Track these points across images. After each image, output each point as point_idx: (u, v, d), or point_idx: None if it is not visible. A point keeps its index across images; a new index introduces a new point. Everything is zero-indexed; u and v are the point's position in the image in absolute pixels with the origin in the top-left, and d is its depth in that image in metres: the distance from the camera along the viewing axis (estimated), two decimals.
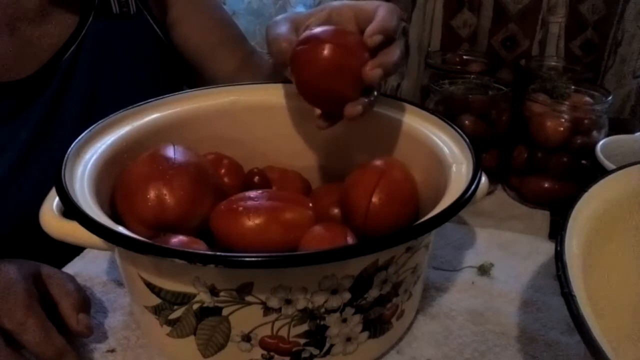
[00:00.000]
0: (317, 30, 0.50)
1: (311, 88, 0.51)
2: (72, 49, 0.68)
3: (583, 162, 0.70)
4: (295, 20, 0.53)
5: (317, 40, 0.49)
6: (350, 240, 0.46)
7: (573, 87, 0.73)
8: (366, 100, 0.49)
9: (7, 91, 0.64)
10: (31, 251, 0.53)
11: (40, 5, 0.66)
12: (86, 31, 0.69)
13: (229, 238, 0.47)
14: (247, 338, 0.42)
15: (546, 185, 0.72)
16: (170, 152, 0.51)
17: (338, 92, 0.49)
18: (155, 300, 0.43)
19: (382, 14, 0.49)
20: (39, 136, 0.66)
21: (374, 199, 0.49)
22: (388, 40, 0.49)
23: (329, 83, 0.49)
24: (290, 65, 0.51)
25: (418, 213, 0.52)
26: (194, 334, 0.43)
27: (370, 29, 0.48)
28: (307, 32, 0.50)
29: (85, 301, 0.49)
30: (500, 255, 0.62)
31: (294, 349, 0.43)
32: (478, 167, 0.46)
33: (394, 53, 0.49)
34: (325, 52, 0.48)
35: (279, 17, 0.54)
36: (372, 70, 0.48)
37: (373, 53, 0.49)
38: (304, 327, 0.42)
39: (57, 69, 0.67)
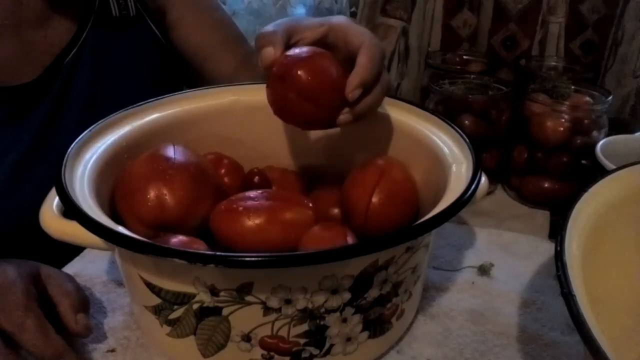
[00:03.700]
0: (294, 56, 0.49)
1: (283, 116, 0.51)
2: (73, 51, 0.68)
3: (583, 162, 0.70)
4: (292, 28, 0.52)
5: (290, 74, 0.48)
6: (350, 240, 0.46)
7: (573, 87, 0.73)
8: (352, 109, 0.49)
9: (10, 95, 0.64)
10: (31, 251, 0.53)
11: (41, 9, 0.66)
12: (87, 34, 0.69)
13: (229, 238, 0.47)
14: (247, 338, 0.42)
15: (546, 185, 0.72)
16: (170, 152, 0.51)
17: (308, 121, 0.50)
18: (155, 300, 0.43)
19: (363, 62, 0.48)
20: (41, 138, 0.66)
21: (374, 199, 0.49)
22: (370, 87, 0.49)
23: (299, 115, 0.50)
24: (267, 90, 0.50)
25: (418, 213, 0.52)
26: (194, 334, 0.43)
27: (349, 84, 0.48)
28: (286, 58, 0.49)
29: (84, 301, 0.49)
30: (500, 255, 0.62)
31: (294, 349, 0.43)
32: (478, 167, 0.46)
33: (371, 97, 0.49)
34: (297, 89, 0.48)
35: (280, 20, 0.54)
36: (342, 117, 0.49)
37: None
38: (304, 327, 0.42)
39: (59, 72, 0.67)
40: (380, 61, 0.50)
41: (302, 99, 0.48)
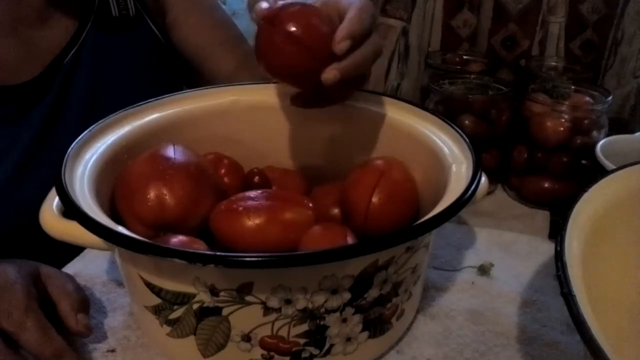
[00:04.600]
0: (287, 4, 0.49)
1: (268, 63, 0.50)
2: (72, 51, 0.68)
3: (583, 162, 0.70)
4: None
5: (280, 17, 0.47)
6: (350, 240, 0.46)
7: (573, 87, 0.72)
8: (340, 64, 0.47)
9: (10, 94, 0.64)
10: (31, 251, 0.53)
11: (41, 9, 0.66)
12: (86, 34, 0.69)
13: (229, 238, 0.47)
14: (247, 338, 0.42)
15: (546, 185, 0.72)
16: (170, 152, 0.51)
17: (293, 69, 0.49)
18: (155, 300, 0.43)
19: (351, 16, 0.48)
20: (41, 138, 0.66)
21: (374, 199, 0.49)
22: (358, 42, 0.48)
23: (284, 60, 0.48)
24: (255, 41, 0.50)
25: (418, 213, 0.52)
26: (194, 334, 0.43)
27: (337, 35, 0.47)
28: (277, 6, 0.48)
29: (84, 301, 0.49)
30: (500, 255, 0.62)
31: (294, 349, 0.43)
32: (478, 167, 0.46)
33: (359, 54, 0.48)
34: (284, 31, 0.47)
35: None
36: (327, 74, 0.47)
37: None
38: (304, 327, 0.42)
39: (59, 72, 0.67)
40: (370, 18, 0.49)
41: (288, 41, 0.47)
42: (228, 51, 0.79)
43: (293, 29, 0.47)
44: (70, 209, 0.42)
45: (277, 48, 0.48)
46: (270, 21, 0.48)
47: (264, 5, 0.49)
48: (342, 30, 0.47)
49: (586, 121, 0.69)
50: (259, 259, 0.37)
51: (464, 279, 0.58)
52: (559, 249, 0.38)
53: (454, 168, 0.48)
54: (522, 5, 0.90)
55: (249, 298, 0.40)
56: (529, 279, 0.59)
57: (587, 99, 0.71)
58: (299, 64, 0.48)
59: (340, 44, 0.46)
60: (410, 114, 0.56)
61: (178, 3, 0.77)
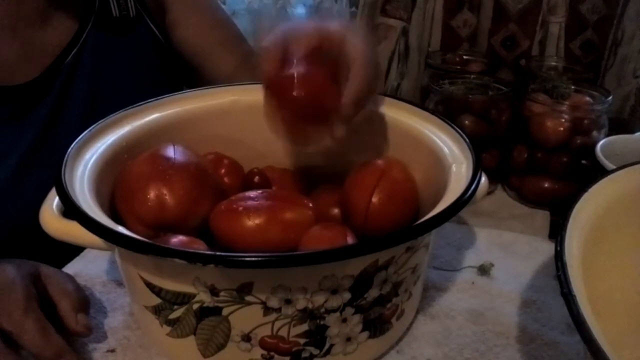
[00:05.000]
0: (286, 75, 0.49)
1: (282, 129, 0.51)
2: (73, 52, 0.68)
3: (583, 162, 0.70)
4: (289, 37, 0.50)
5: (285, 92, 0.49)
6: (350, 240, 0.46)
7: (573, 87, 0.73)
8: (344, 116, 0.49)
9: (11, 95, 0.64)
10: (31, 251, 0.53)
11: (41, 9, 0.66)
12: (87, 34, 0.69)
13: (229, 238, 0.47)
14: (247, 338, 0.42)
15: (546, 185, 0.72)
16: (170, 152, 0.51)
17: (303, 133, 0.51)
18: (155, 300, 0.43)
19: (356, 76, 0.48)
20: (42, 139, 0.66)
21: (374, 199, 0.49)
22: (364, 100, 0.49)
23: (296, 129, 0.51)
24: (265, 100, 0.51)
25: (418, 213, 0.52)
26: (194, 334, 0.43)
27: (344, 100, 0.48)
28: (278, 76, 0.49)
29: (84, 301, 0.49)
30: (500, 255, 0.62)
31: (294, 349, 0.43)
32: (478, 167, 0.46)
33: (363, 107, 0.49)
34: (292, 108, 0.49)
35: (277, 29, 0.52)
36: (337, 131, 0.49)
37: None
38: (304, 327, 0.42)
39: (59, 73, 0.67)
40: (374, 70, 0.49)
41: (292, 113, 0.49)
42: (228, 51, 0.79)
43: (297, 97, 0.48)
44: (70, 209, 0.42)
45: (283, 120, 0.50)
46: (274, 90, 0.49)
47: (266, 68, 0.49)
48: (349, 95, 0.48)
49: (586, 121, 0.69)
50: (259, 259, 0.37)
51: (464, 279, 0.58)
52: (559, 249, 0.38)
53: (454, 168, 0.48)
54: (522, 5, 0.90)
55: (249, 298, 0.40)
56: (529, 279, 0.59)
57: (587, 99, 0.71)
58: (303, 130, 0.51)
59: (347, 108, 0.48)
60: (410, 114, 0.56)
61: (178, 3, 0.77)
